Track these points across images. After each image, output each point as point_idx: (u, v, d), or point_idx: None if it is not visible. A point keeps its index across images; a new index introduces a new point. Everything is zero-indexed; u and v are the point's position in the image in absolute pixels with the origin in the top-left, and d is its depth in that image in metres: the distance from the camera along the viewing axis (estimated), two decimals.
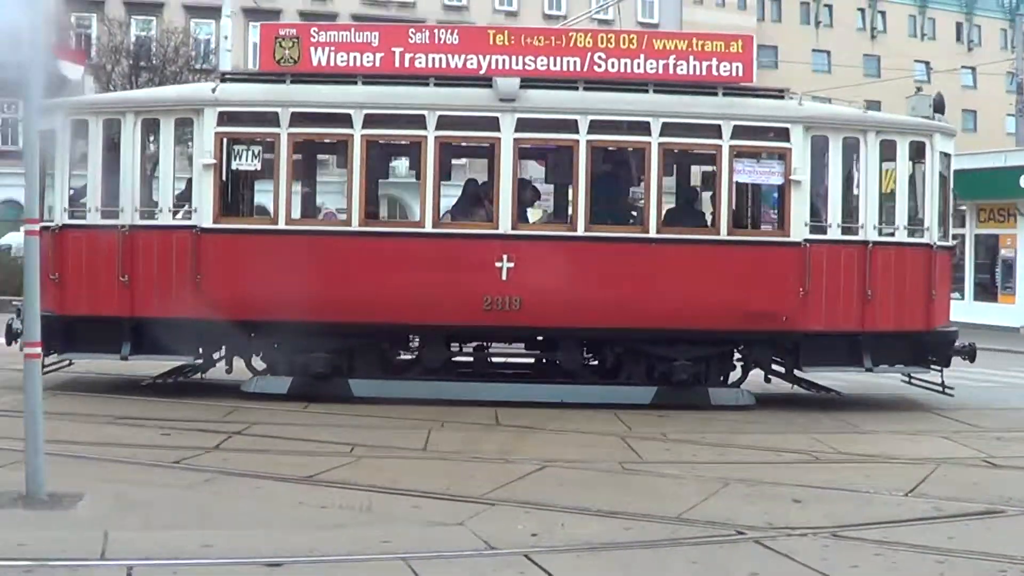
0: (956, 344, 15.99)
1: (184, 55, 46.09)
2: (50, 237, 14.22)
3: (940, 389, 15.93)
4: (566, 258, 15.07)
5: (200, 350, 15.43)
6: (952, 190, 16.60)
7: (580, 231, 15.09)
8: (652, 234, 15.20)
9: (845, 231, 15.50)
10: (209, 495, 9.44)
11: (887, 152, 15.72)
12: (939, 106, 16.64)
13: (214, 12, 50.76)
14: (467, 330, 15.55)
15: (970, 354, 16.17)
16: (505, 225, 15.00)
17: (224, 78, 16.22)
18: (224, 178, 15.22)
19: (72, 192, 15.26)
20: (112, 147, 15.05)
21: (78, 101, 15.79)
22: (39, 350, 8.93)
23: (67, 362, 15.59)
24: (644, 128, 15.26)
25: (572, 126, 15.17)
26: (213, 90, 15.28)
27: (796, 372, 16.06)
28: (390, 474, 10.48)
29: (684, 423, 14.16)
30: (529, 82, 15.23)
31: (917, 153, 15.90)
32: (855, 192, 15.78)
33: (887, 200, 15.89)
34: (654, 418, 14.54)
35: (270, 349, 15.49)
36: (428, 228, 15.04)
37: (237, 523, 8.59)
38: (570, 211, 15.71)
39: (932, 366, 15.93)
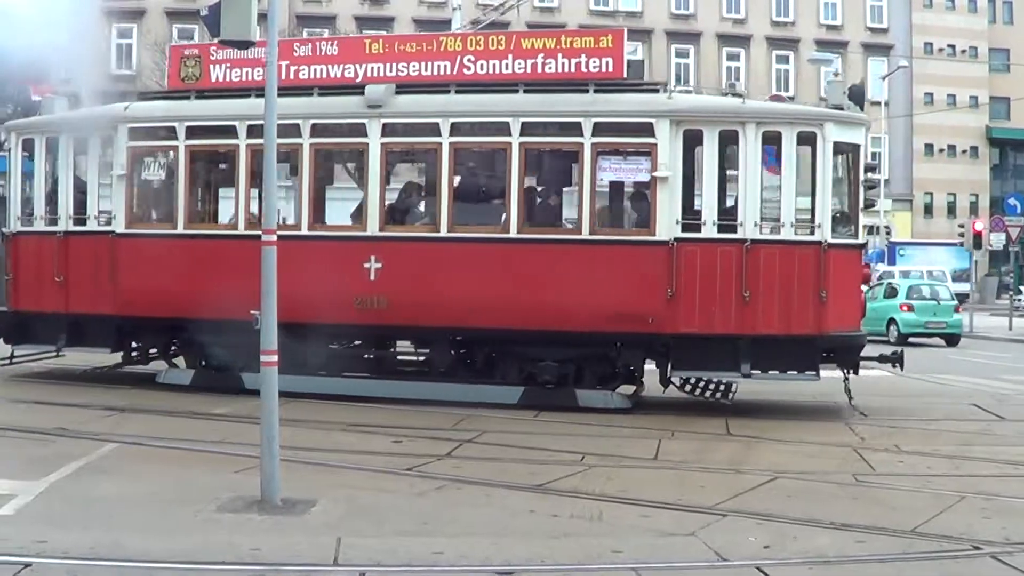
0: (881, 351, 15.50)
1: None
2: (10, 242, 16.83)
3: (847, 396, 15.20)
4: (430, 259, 15.22)
5: (120, 343, 16.65)
6: (865, 182, 15.47)
7: (443, 232, 15.22)
8: (513, 234, 15.01)
9: (722, 229, 14.71)
10: (440, 502, 9.50)
11: (800, 144, 14.81)
12: (856, 95, 15.69)
13: (444, 26, 51.71)
14: (343, 328, 15.48)
15: (897, 361, 15.58)
16: (373, 228, 15.32)
17: (140, 97, 17.76)
18: (135, 187, 16.68)
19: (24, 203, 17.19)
20: (53, 162, 16.79)
21: (28, 122, 17.65)
22: (275, 357, 9.18)
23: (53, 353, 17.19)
24: (505, 129, 15.10)
25: (435, 129, 15.31)
26: (126, 108, 16.59)
27: (671, 375, 15.28)
28: (620, 483, 10.37)
29: (914, 436, 13.69)
30: (404, 88, 15.53)
31: (807, 143, 14.78)
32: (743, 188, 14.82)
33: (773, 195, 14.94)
34: (886, 429, 14.11)
35: (181, 343, 16.55)
36: (304, 231, 15.54)
37: (468, 530, 8.58)
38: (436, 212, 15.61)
39: (846, 371, 15.15)
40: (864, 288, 15.84)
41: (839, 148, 15.07)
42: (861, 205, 15.31)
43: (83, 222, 16.50)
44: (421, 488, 10.01)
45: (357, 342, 16.53)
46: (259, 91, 14.31)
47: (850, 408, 15.40)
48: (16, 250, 16.94)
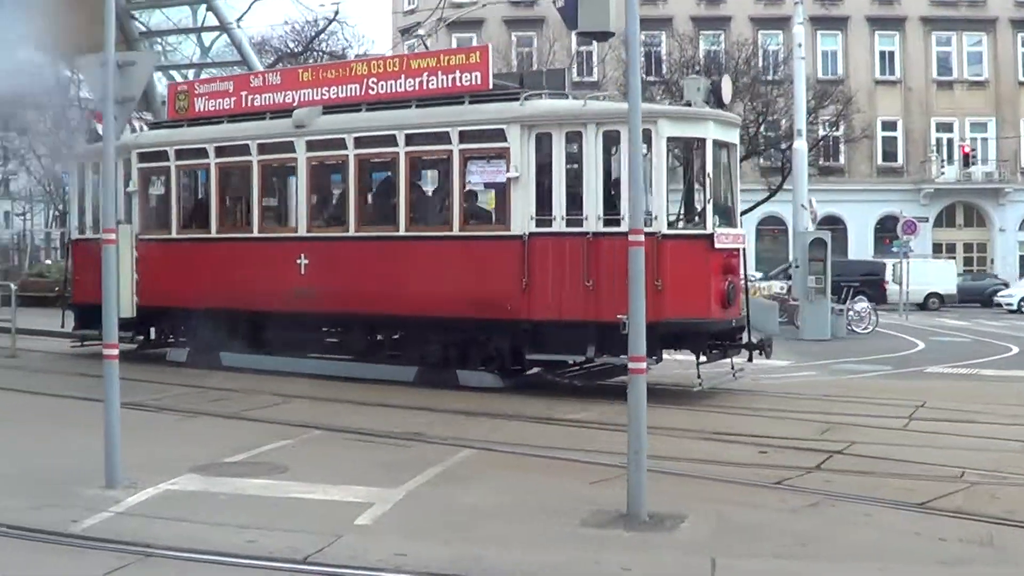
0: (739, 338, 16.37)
1: (754, 67, 45.86)
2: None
3: (699, 382, 15.61)
4: (342, 255, 17.39)
5: (139, 330, 19.81)
6: (725, 175, 16.30)
7: (351, 232, 17.42)
8: (402, 232, 16.94)
9: (570, 223, 15.57)
10: (817, 521, 8.68)
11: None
12: (715, 91, 16.07)
13: (782, 22, 50.64)
14: (285, 315, 17.61)
15: (762, 348, 16.48)
16: (302, 229, 17.84)
17: (149, 125, 21.22)
18: (145, 200, 20.15)
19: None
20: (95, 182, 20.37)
21: (79, 151, 21.86)
22: (642, 364, 8.58)
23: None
24: (393, 140, 17.04)
25: (343, 143, 17.48)
26: (135, 136, 19.92)
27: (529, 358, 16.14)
28: (1006, 504, 9.24)
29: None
30: (329, 109, 17.87)
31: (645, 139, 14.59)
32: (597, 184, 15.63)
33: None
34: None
35: (178, 328, 19.59)
36: (255, 233, 18.54)
37: (851, 554, 7.76)
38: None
39: (698, 355, 15.86)
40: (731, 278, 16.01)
41: (677, 143, 16.09)
42: (709, 197, 15.75)
43: None
44: (793, 504, 9.20)
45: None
46: (229, 118, 19.07)
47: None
48: (75, 254, 21.39)
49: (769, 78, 45.96)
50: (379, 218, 17.65)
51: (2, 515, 8.17)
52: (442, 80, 16.91)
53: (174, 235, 19.40)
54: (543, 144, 15.96)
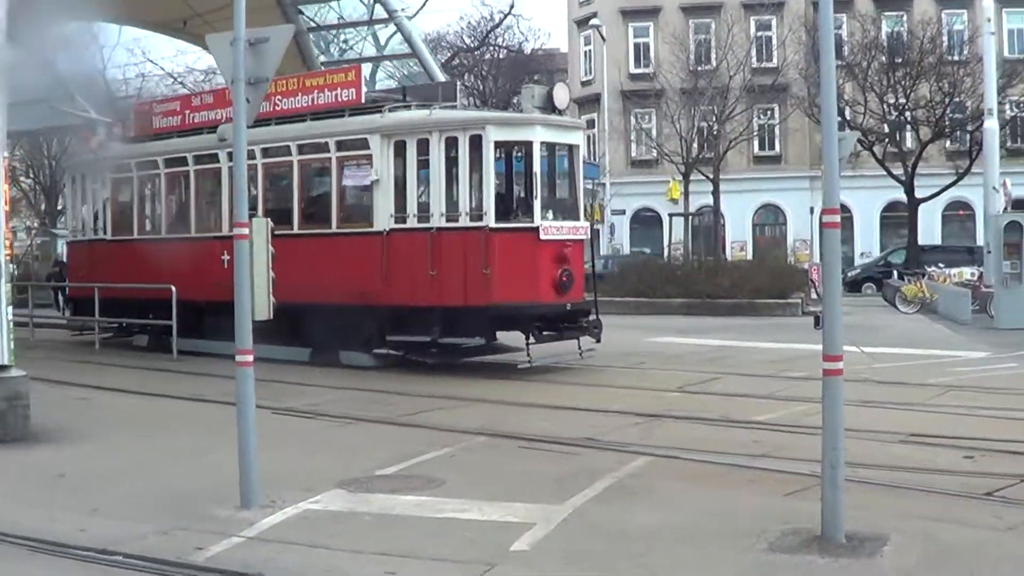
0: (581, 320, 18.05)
1: (939, 46, 43.68)
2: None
3: (528, 359, 17.14)
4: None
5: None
6: (561, 174, 18.50)
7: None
8: (295, 230, 19.16)
9: (420, 220, 17.71)
10: None
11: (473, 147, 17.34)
12: (548, 99, 18.08)
13: (967, 1, 48.18)
14: (216, 304, 17.91)
15: (590, 332, 18.05)
16: (225, 229, 19.35)
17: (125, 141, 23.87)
18: (117, 207, 23.71)
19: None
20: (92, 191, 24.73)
21: (69, 164, 27.19)
22: (840, 365, 7.56)
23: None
24: (288, 151, 19.59)
25: (253, 154, 18.74)
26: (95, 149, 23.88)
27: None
28: None
29: None
30: (256, 123, 18.99)
31: (475, 144, 17.30)
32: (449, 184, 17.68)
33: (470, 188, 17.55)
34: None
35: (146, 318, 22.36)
36: (192, 233, 21.31)
37: None
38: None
39: (535, 336, 17.40)
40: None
41: (505, 146, 18.03)
42: (536, 194, 17.40)
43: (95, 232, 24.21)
44: (1009, 520, 8.04)
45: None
46: (178, 133, 22.23)
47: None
48: (70, 254, 25.84)
49: (954, 58, 43.73)
50: (280, 218, 18.53)
51: (128, 543, 7.51)
52: (328, 96, 19.52)
53: (136, 235, 22.90)
54: (400, 150, 18.09)
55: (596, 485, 9.10)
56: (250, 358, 8.67)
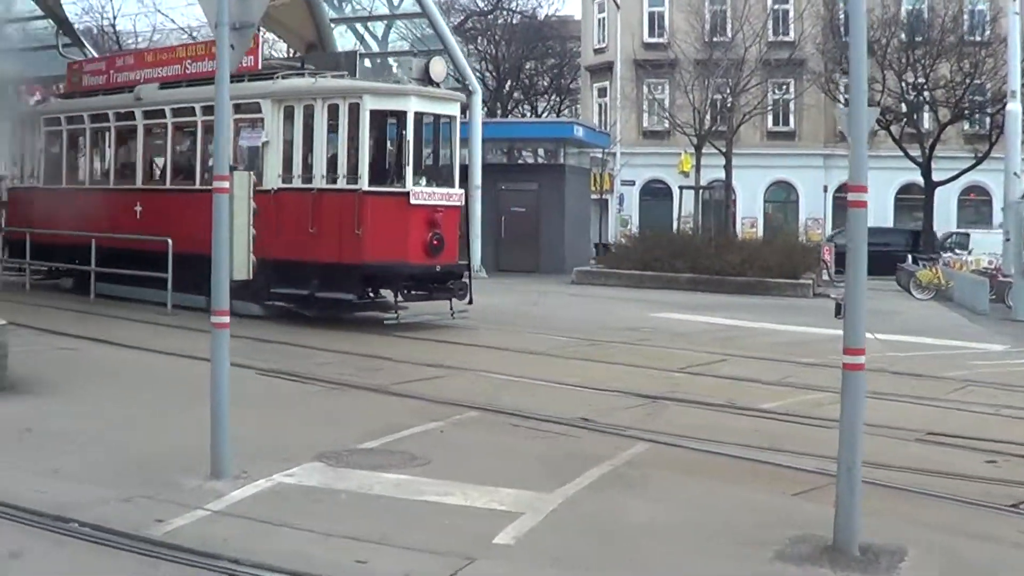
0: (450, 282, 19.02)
1: (960, 26, 42.74)
2: None
3: (395, 316, 18.42)
4: (161, 205, 21.28)
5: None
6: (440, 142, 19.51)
7: (167, 185, 21.76)
8: (197, 186, 20.15)
9: (304, 180, 18.80)
10: None
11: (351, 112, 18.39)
12: (425, 71, 18.89)
13: None
14: (126, 252, 20.98)
15: (455, 292, 19.07)
16: (138, 183, 22.08)
17: (54, 97, 25.66)
18: (49, 158, 24.78)
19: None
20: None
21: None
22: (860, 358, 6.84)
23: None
24: (193, 111, 20.65)
25: (163, 113, 21.52)
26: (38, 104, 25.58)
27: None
28: None
29: None
30: (166, 85, 21.91)
31: (353, 112, 18.33)
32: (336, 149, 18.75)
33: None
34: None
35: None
36: (111, 185, 23.00)
37: None
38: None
39: (403, 295, 18.63)
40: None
41: (381, 115, 18.83)
42: (408, 160, 18.41)
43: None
44: None
45: None
46: (104, 91, 23.65)
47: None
48: (9, 200, 26.32)
49: (976, 38, 42.81)
50: (185, 175, 21.45)
51: (86, 509, 6.90)
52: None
53: (63, 185, 23.95)
54: (289, 115, 19.17)
55: (591, 472, 8.37)
56: (226, 319, 8.06)
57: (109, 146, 23.51)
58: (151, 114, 21.90)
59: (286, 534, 6.71)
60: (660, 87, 49.94)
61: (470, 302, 19.33)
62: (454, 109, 19.66)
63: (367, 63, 38.78)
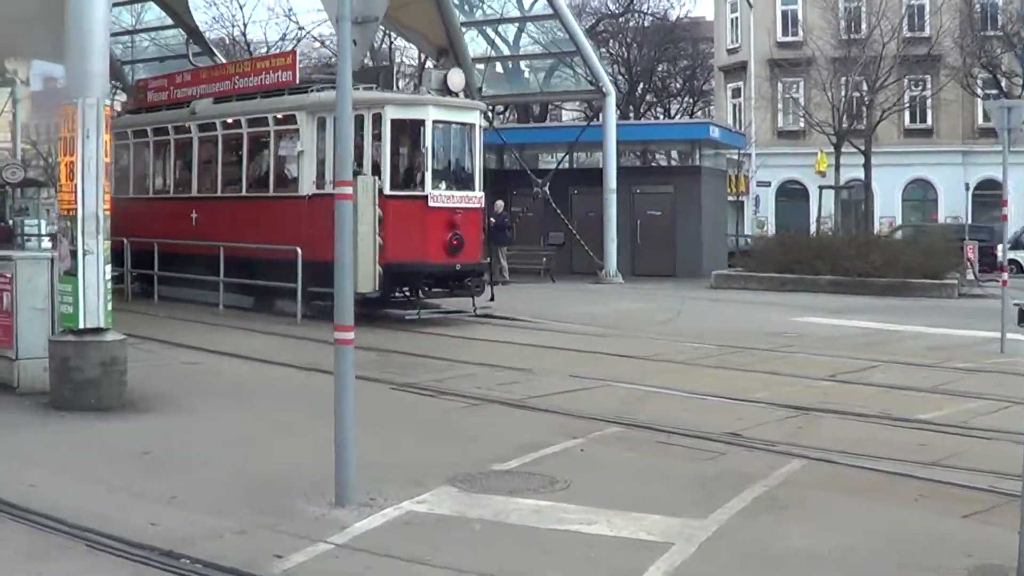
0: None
1: None
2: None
3: (415, 313, 19.96)
4: (215, 211, 22.64)
5: None
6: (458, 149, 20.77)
7: (218, 193, 23.09)
8: (243, 193, 22.51)
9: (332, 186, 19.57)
10: None
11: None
12: (443, 82, 20.13)
13: None
14: (184, 256, 22.40)
15: (471, 290, 20.28)
16: (195, 191, 23.64)
17: (120, 113, 26.51)
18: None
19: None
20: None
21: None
22: None
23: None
24: (240, 124, 22.50)
25: (213, 126, 23.15)
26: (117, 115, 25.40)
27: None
28: None
29: None
30: (220, 99, 23.39)
31: (376, 121, 19.59)
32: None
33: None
34: None
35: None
36: (170, 194, 24.71)
37: None
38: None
39: (423, 293, 19.82)
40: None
41: (402, 123, 19.91)
42: (427, 166, 19.70)
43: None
44: None
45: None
46: (168, 106, 25.25)
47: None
48: None
49: None
50: (230, 184, 23.10)
51: (200, 543, 6.59)
52: (274, 77, 22.25)
53: (131, 195, 24.69)
54: (321, 125, 20.39)
55: (743, 495, 7.89)
56: (350, 335, 7.56)
57: (169, 157, 25.04)
58: (205, 127, 23.50)
59: (416, 572, 6.31)
60: (795, 86, 48.93)
61: (492, 299, 20.96)
62: (473, 117, 20.74)
63: (499, 68, 38.92)
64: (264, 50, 56.66)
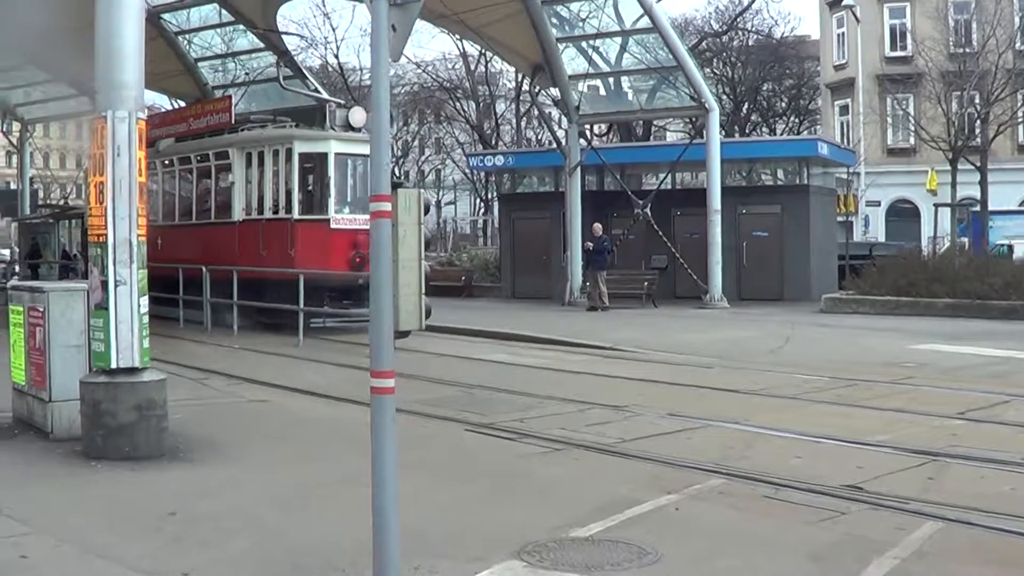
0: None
1: None
2: None
3: (321, 321, 23.45)
4: (175, 237, 25.91)
5: None
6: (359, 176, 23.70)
7: (175, 222, 26.98)
8: (193, 221, 26.62)
9: (258, 212, 24.30)
10: None
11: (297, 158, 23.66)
12: (346, 120, 23.67)
13: None
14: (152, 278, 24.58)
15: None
16: (159, 220, 25.74)
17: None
18: None
19: None
20: None
21: None
22: None
23: None
24: (189, 160, 26.80)
25: (173, 161, 27.29)
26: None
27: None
28: None
29: None
30: (181, 139, 27.28)
31: (288, 155, 23.63)
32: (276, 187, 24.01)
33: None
34: None
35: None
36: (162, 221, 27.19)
37: None
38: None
39: (327, 303, 22.87)
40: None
41: (307, 157, 23.60)
42: (329, 193, 23.22)
43: None
44: None
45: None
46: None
47: None
48: None
49: None
50: (184, 213, 26.93)
51: None
52: (216, 118, 25.87)
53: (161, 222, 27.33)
54: (249, 160, 24.45)
55: (871, 571, 6.59)
56: (391, 382, 5.91)
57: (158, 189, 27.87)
58: (165, 164, 27.26)
59: None
60: (904, 101, 47.06)
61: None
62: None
63: (601, 90, 37.77)
64: (358, 77, 56.42)
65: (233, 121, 25.49)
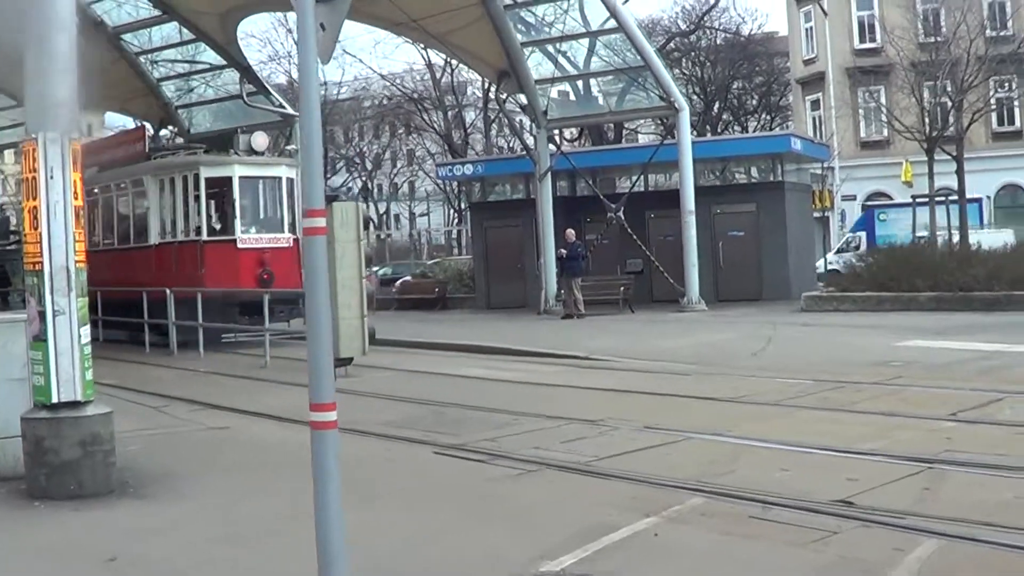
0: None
1: None
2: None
3: (232, 336, 24.40)
4: (106, 261, 25.86)
5: None
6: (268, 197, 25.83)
7: (99, 247, 26.90)
8: (116, 245, 28.03)
9: (171, 235, 25.83)
10: None
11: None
12: (248, 144, 25.28)
13: None
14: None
15: (286, 317, 23.91)
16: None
17: None
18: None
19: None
20: None
21: None
22: None
23: None
24: (109, 188, 28.63)
25: (95, 191, 27.96)
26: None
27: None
28: None
29: None
30: (104, 168, 28.78)
31: (195, 180, 25.19)
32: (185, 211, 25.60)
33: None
34: None
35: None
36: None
37: None
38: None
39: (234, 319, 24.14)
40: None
41: (213, 182, 25.13)
42: (235, 214, 24.91)
43: None
44: None
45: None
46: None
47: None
48: None
49: None
50: (105, 237, 28.34)
51: None
52: (132, 148, 27.98)
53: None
54: (162, 186, 25.95)
55: None
56: (332, 415, 5.49)
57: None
58: (88, 192, 28.65)
59: None
60: (876, 93, 46.74)
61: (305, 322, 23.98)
62: (279, 171, 25.41)
63: (571, 95, 37.24)
64: (335, 93, 55.79)
65: (147, 150, 27.75)
